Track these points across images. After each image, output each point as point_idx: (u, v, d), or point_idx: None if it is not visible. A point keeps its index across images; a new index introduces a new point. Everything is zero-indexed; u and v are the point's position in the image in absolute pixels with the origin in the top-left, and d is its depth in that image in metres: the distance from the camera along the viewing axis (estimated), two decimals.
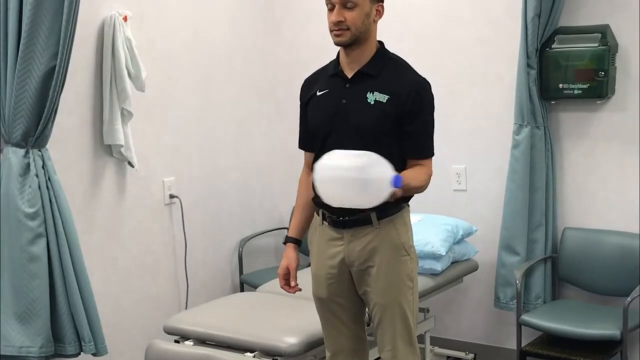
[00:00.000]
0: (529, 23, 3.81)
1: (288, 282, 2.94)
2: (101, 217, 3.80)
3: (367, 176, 2.47)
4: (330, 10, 2.71)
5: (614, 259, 3.86)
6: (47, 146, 3.32)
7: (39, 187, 3.25)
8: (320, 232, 2.88)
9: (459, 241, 3.95)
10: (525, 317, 3.74)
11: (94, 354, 3.41)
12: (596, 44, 3.77)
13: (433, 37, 4.31)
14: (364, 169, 2.47)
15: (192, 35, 4.28)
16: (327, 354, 2.97)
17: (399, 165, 2.74)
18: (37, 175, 3.25)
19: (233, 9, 4.56)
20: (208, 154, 4.41)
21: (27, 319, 3.23)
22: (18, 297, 3.23)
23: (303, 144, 3.00)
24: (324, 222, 2.84)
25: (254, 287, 4.13)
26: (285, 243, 3.00)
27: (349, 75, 2.79)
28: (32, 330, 3.24)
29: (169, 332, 3.40)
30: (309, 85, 2.93)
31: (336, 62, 2.85)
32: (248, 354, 3.10)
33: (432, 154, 2.81)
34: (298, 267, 2.97)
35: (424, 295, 3.66)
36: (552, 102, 4.00)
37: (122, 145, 3.72)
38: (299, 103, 2.97)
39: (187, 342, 3.28)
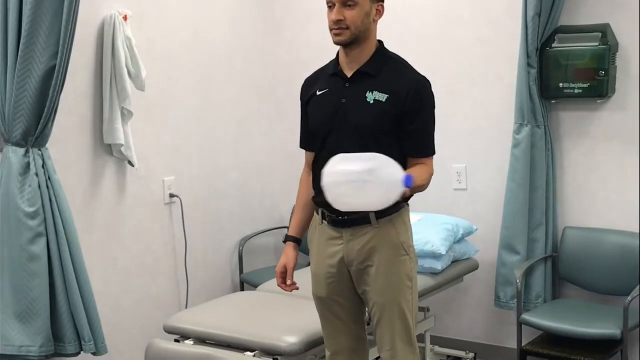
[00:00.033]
0: (529, 22, 3.81)
1: (285, 280, 2.94)
2: (101, 217, 3.80)
3: (378, 179, 2.46)
4: (331, 8, 2.71)
5: (615, 259, 3.85)
6: (47, 145, 3.32)
7: (39, 187, 3.25)
8: (320, 231, 2.88)
9: (459, 240, 3.95)
10: (526, 317, 3.74)
11: (94, 354, 3.42)
12: (596, 44, 3.77)
13: (433, 37, 4.31)
14: (375, 172, 2.46)
15: (192, 35, 4.28)
16: (327, 354, 2.97)
17: (399, 164, 2.74)
18: (37, 175, 3.25)
19: (233, 9, 4.56)
20: (208, 153, 4.41)
21: (27, 319, 3.23)
22: (18, 297, 3.23)
23: (304, 144, 3.00)
24: (324, 221, 2.84)
25: (254, 286, 4.13)
26: (285, 242, 3.00)
27: (349, 74, 2.79)
28: (32, 329, 3.24)
29: (169, 331, 3.40)
30: (309, 85, 2.93)
31: (336, 61, 2.85)
32: (248, 353, 3.10)
33: (434, 153, 2.81)
34: (297, 266, 2.97)
35: (424, 294, 3.66)
36: (553, 102, 4.00)
37: (122, 145, 3.72)
38: (299, 103, 2.98)
39: (187, 342, 3.28)
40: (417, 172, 2.69)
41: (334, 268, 2.84)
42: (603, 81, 3.77)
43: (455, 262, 3.95)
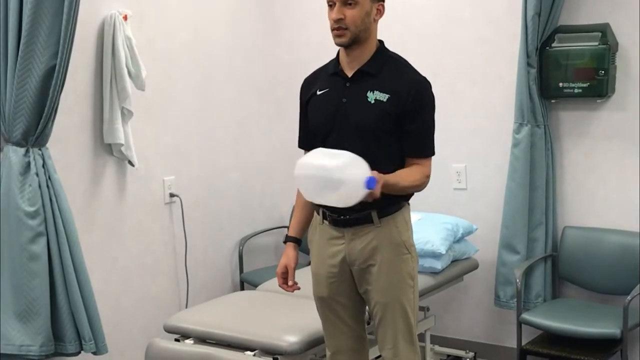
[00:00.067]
0: (529, 22, 3.81)
1: (286, 281, 2.95)
2: (101, 216, 3.80)
3: (339, 177, 2.50)
4: (331, 7, 2.71)
5: (614, 258, 3.86)
6: (48, 145, 3.32)
7: (39, 186, 3.25)
8: (320, 231, 2.88)
9: (459, 240, 3.96)
10: (526, 316, 3.74)
11: (94, 353, 3.42)
12: (596, 43, 3.77)
13: (434, 37, 4.32)
14: (338, 170, 2.50)
15: (192, 34, 4.28)
16: (328, 353, 2.97)
17: (400, 163, 2.75)
18: (37, 174, 3.25)
19: (233, 9, 4.56)
20: (208, 153, 4.41)
21: (27, 318, 3.24)
22: (18, 296, 3.23)
23: (303, 143, 3.00)
24: (325, 221, 2.84)
25: (254, 285, 4.13)
26: (285, 242, 3.00)
27: (349, 74, 2.79)
28: (32, 329, 3.24)
29: (170, 330, 3.41)
30: (309, 85, 2.93)
31: (336, 61, 2.85)
32: (248, 352, 3.10)
33: (432, 154, 2.81)
34: (297, 266, 2.97)
35: (424, 293, 3.66)
36: (552, 101, 4.00)
37: (122, 144, 3.72)
38: (299, 102, 2.98)
39: (187, 341, 3.29)
40: (405, 172, 2.70)
41: (336, 268, 2.84)
42: (603, 81, 3.78)
43: (455, 261, 3.95)
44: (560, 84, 3.88)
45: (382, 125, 2.72)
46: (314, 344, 3.16)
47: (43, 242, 3.26)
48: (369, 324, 3.02)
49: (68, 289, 3.32)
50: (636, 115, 3.83)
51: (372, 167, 2.55)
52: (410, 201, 2.88)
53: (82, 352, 3.41)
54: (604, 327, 3.53)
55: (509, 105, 4.01)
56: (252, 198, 4.73)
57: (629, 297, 3.51)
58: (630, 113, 3.85)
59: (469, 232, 4.02)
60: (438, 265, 3.77)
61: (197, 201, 4.34)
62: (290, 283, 2.94)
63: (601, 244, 3.91)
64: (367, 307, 2.90)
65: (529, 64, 3.88)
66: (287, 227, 3.12)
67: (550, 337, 3.76)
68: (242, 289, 4.51)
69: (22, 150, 3.24)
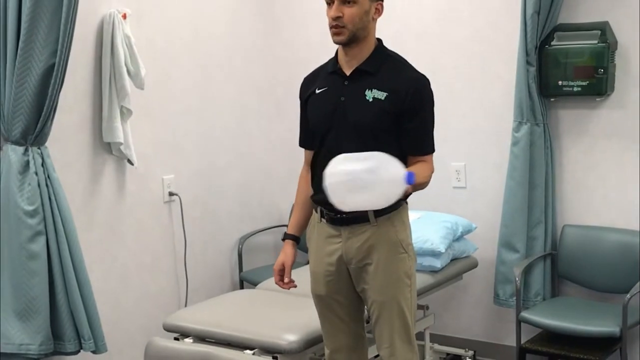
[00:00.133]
0: (528, 20, 3.81)
1: (283, 278, 2.95)
2: (100, 215, 3.80)
3: (380, 177, 2.47)
4: (329, 5, 2.71)
5: (613, 256, 3.86)
6: (47, 144, 3.32)
7: (39, 185, 3.25)
8: (318, 229, 2.88)
9: (458, 238, 3.96)
10: (525, 314, 3.74)
11: (94, 352, 3.42)
12: (595, 41, 3.77)
13: (432, 36, 4.31)
14: (376, 170, 2.47)
15: (192, 33, 4.28)
16: (326, 351, 2.97)
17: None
18: (36, 173, 3.25)
19: (233, 8, 4.56)
20: (207, 151, 4.41)
21: (26, 317, 3.24)
22: (18, 295, 3.23)
23: (303, 142, 3.00)
24: (322, 219, 2.84)
25: (254, 284, 4.13)
26: (284, 240, 3.00)
27: (348, 72, 2.79)
28: (31, 327, 3.24)
29: (169, 329, 3.41)
30: (308, 83, 2.93)
31: (335, 59, 2.85)
32: (248, 351, 3.10)
33: (433, 150, 2.81)
34: (296, 264, 2.97)
35: (423, 292, 3.66)
36: (552, 100, 4.00)
37: (121, 143, 3.72)
38: (298, 102, 2.98)
39: (186, 340, 3.29)
40: (419, 169, 2.69)
41: (333, 266, 2.84)
42: (602, 79, 3.78)
43: (454, 260, 3.95)
44: (560, 83, 3.87)
45: (381, 124, 2.72)
46: (313, 342, 3.16)
47: (42, 241, 3.26)
48: (367, 322, 3.02)
49: (67, 287, 3.32)
50: (635, 114, 3.83)
51: None
52: (410, 200, 2.88)
53: (81, 351, 3.41)
54: (603, 325, 3.53)
55: (508, 103, 4.01)
56: (251, 197, 4.73)
57: (628, 296, 3.51)
58: (630, 111, 3.85)
59: (468, 231, 4.02)
60: (437, 263, 3.77)
61: (197, 200, 4.34)
62: (286, 280, 2.95)
63: (600, 243, 3.91)
64: (365, 306, 2.90)
65: (528, 62, 3.87)
66: (287, 226, 3.12)
67: (550, 336, 3.76)
68: (242, 287, 4.51)
69: (21, 149, 3.24)
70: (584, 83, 3.81)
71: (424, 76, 2.78)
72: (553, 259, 4.05)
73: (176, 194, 4.18)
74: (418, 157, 2.77)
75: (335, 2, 2.68)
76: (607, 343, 3.58)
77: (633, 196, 3.87)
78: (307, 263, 3.05)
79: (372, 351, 3.13)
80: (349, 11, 2.67)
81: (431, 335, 4.07)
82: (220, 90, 4.48)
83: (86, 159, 3.72)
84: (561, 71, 3.86)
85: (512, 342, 3.93)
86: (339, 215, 2.77)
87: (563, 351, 3.63)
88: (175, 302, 4.22)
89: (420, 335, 3.53)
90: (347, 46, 2.74)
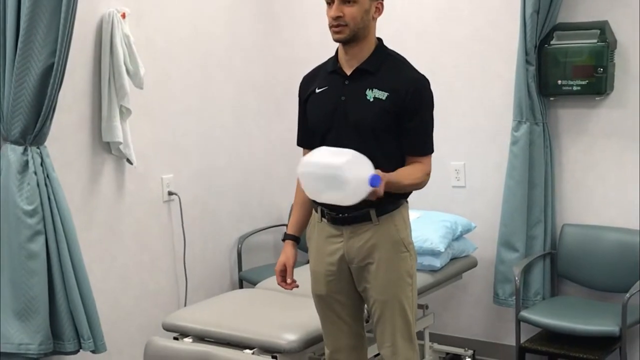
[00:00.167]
0: (527, 19, 3.81)
1: (285, 278, 2.95)
2: (100, 215, 3.80)
3: (343, 175, 2.50)
4: (329, 5, 2.71)
5: (613, 255, 3.86)
6: (46, 143, 3.32)
7: (38, 185, 3.25)
8: (319, 229, 2.88)
9: (457, 238, 3.96)
10: (524, 314, 3.74)
11: (93, 351, 3.42)
12: (595, 40, 3.77)
13: (432, 35, 4.31)
14: (342, 168, 2.50)
15: (191, 33, 4.27)
16: (327, 351, 2.97)
17: (398, 162, 2.74)
18: (35, 173, 3.25)
19: (232, 8, 4.55)
20: (207, 151, 4.40)
21: (26, 317, 3.23)
22: (17, 295, 3.23)
23: (302, 141, 3.00)
24: (323, 219, 2.84)
25: (253, 283, 4.13)
26: (284, 240, 3.00)
27: (348, 72, 2.79)
28: (31, 327, 3.24)
29: (168, 329, 3.40)
30: (308, 82, 2.93)
31: (335, 59, 2.85)
32: (247, 351, 3.10)
33: (431, 151, 2.81)
34: (296, 264, 2.97)
35: (423, 291, 3.66)
36: (551, 99, 4.00)
37: (120, 143, 3.72)
38: (297, 100, 2.97)
39: (186, 339, 3.28)
40: (407, 170, 2.70)
41: (334, 266, 2.84)
42: (601, 78, 3.78)
43: (453, 259, 3.95)
44: (559, 82, 3.87)
45: (381, 124, 2.72)
46: (312, 342, 3.16)
47: (41, 240, 3.26)
48: (367, 321, 3.02)
49: (67, 287, 3.32)
50: (635, 113, 3.83)
51: None
52: (409, 199, 2.88)
53: (80, 350, 3.41)
54: (602, 324, 3.53)
55: (507, 103, 4.01)
56: (250, 196, 4.72)
57: (627, 295, 3.51)
58: (629, 110, 3.85)
59: (467, 230, 4.02)
60: (437, 263, 3.77)
61: (196, 199, 4.34)
62: (288, 281, 2.94)
63: (600, 242, 3.91)
64: (365, 305, 2.90)
65: (527, 62, 3.87)
66: (286, 225, 3.12)
67: (549, 335, 3.76)
68: (241, 287, 4.51)
69: (20, 149, 3.24)
70: (583, 82, 3.81)
71: (424, 77, 2.78)
72: (552, 258, 4.05)
73: (175, 194, 4.18)
74: (415, 157, 2.77)
75: (336, 2, 2.68)
76: (606, 342, 3.58)
77: (633, 195, 3.87)
78: (307, 263, 3.05)
79: (371, 350, 3.13)
80: (349, 10, 2.67)
81: (431, 334, 4.07)
82: (219, 89, 4.47)
83: (85, 159, 3.71)
84: (560, 70, 3.86)
85: (511, 341, 3.93)
86: (340, 215, 2.77)
87: (562, 350, 3.63)
88: (174, 302, 4.22)
89: (419, 335, 3.53)
90: (347, 45, 2.74)
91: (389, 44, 2.86)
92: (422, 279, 3.64)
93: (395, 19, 4.20)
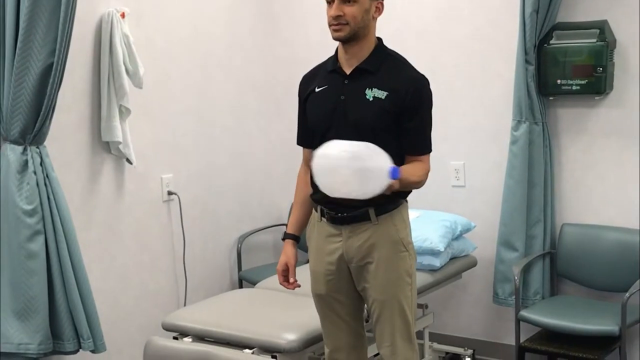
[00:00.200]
0: (527, 19, 3.81)
1: (287, 278, 2.95)
2: (99, 214, 3.80)
3: (365, 165, 2.48)
4: (330, 4, 2.71)
5: (613, 255, 3.86)
6: (45, 143, 3.32)
7: (37, 184, 3.25)
8: (318, 228, 2.88)
9: (457, 237, 3.95)
10: (524, 313, 3.74)
11: (93, 351, 3.42)
12: (594, 40, 3.77)
13: (432, 34, 4.31)
14: (362, 158, 2.49)
15: (191, 32, 4.27)
16: (326, 350, 2.97)
17: (397, 161, 2.74)
18: (35, 172, 3.25)
19: (232, 7, 4.55)
20: (206, 151, 4.40)
21: (25, 316, 3.23)
22: (16, 294, 3.23)
23: (301, 141, 3.00)
24: (323, 218, 2.84)
25: (253, 283, 4.13)
26: (284, 239, 3.00)
27: (348, 71, 2.79)
28: (30, 327, 3.24)
29: (168, 328, 3.40)
30: (308, 82, 2.93)
31: (335, 58, 2.85)
32: (247, 350, 3.10)
33: (430, 150, 2.82)
34: (297, 263, 2.97)
35: (422, 291, 3.66)
36: (551, 98, 4.00)
37: (120, 142, 3.72)
38: (297, 100, 2.97)
39: (185, 339, 3.28)
40: (411, 168, 2.70)
41: (333, 265, 2.84)
42: (601, 77, 3.78)
43: (453, 258, 3.95)
44: (559, 81, 3.87)
45: (381, 123, 2.72)
46: (312, 341, 3.16)
47: (41, 240, 3.26)
48: (367, 321, 3.02)
49: (66, 287, 3.32)
50: (634, 112, 3.83)
51: None
52: (409, 198, 2.88)
53: (80, 350, 3.41)
54: (602, 324, 3.53)
55: (507, 102, 4.01)
56: (250, 196, 4.72)
57: (627, 294, 3.51)
58: (629, 110, 3.84)
59: (467, 230, 4.02)
60: (436, 262, 3.77)
61: (196, 199, 4.34)
62: (291, 280, 2.94)
63: (599, 241, 3.91)
64: (365, 305, 2.90)
65: (527, 61, 3.87)
66: (286, 225, 3.11)
67: (549, 334, 3.76)
68: (241, 286, 4.51)
69: (19, 149, 3.24)
70: (582, 82, 3.81)
71: (423, 76, 2.78)
72: (552, 258, 4.05)
73: (175, 193, 4.18)
74: (414, 156, 2.77)
75: (336, 1, 2.68)
76: (606, 342, 3.58)
77: (632, 195, 3.87)
78: (307, 262, 3.05)
79: (371, 350, 3.13)
80: (349, 10, 2.67)
81: (430, 334, 4.07)
82: (219, 89, 4.47)
83: (85, 158, 3.71)
84: (560, 70, 3.86)
85: (511, 340, 3.93)
86: (339, 215, 2.77)
87: (562, 350, 3.63)
88: (174, 301, 4.22)
89: (419, 334, 3.53)
90: (347, 44, 2.74)
91: (389, 43, 2.86)
92: (422, 279, 3.64)
93: (395, 18, 4.20)
